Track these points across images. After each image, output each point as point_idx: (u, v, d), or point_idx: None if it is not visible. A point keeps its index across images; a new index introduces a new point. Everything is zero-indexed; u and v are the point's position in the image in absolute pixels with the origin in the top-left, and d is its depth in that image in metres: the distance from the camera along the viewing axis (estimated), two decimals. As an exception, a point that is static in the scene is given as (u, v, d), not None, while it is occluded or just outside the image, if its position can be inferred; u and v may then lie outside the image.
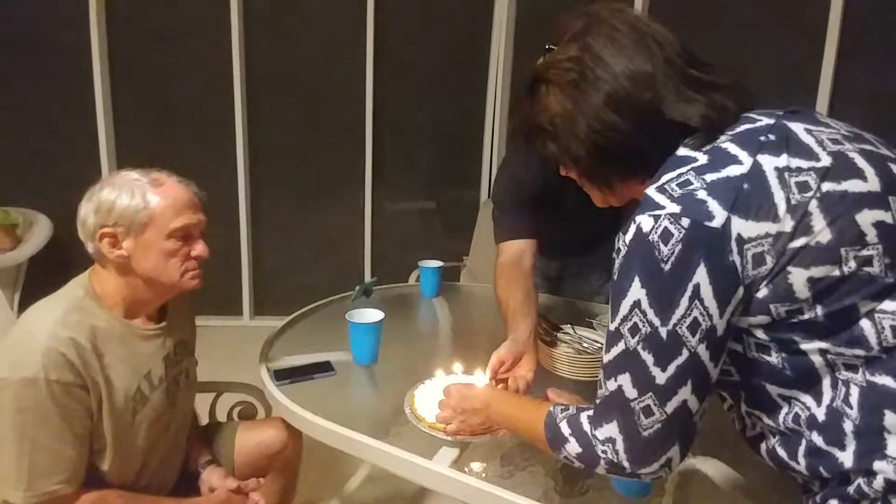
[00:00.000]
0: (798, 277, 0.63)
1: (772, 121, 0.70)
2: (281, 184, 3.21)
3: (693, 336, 0.65)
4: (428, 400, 1.12)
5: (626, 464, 0.70)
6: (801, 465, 0.68)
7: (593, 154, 0.74)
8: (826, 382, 0.66)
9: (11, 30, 2.81)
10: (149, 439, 1.08)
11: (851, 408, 0.64)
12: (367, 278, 3.15)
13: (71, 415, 0.94)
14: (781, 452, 0.70)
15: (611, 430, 0.71)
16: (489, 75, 3.11)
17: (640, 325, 0.67)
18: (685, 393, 0.67)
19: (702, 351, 0.66)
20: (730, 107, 0.71)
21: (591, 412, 0.75)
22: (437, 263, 1.83)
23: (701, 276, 0.63)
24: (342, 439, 1.07)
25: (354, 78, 3.05)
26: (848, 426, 0.64)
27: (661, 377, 0.67)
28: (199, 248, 1.08)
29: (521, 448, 1.05)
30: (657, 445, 0.69)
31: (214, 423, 1.40)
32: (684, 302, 0.64)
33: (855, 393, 0.64)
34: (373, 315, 1.34)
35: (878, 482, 0.62)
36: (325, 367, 1.32)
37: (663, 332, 0.66)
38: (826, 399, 0.66)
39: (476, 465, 0.99)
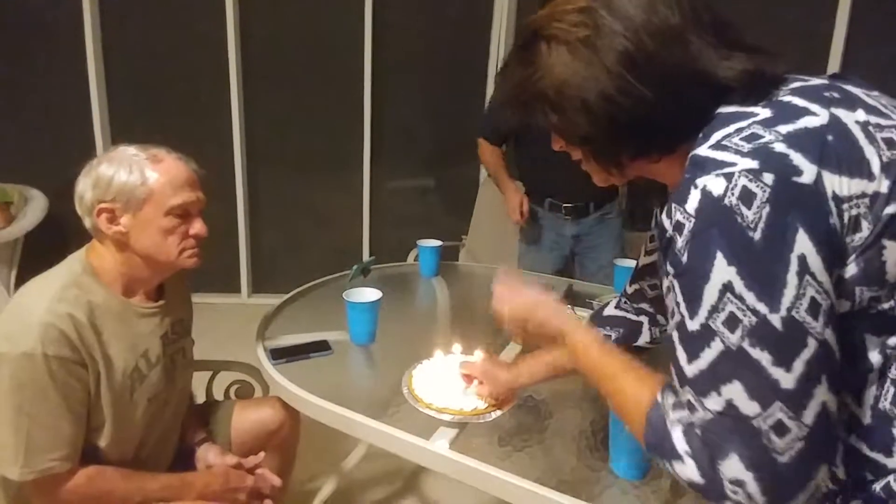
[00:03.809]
0: (893, 254, 0.53)
1: (826, 80, 0.60)
2: (278, 161, 3.18)
3: (816, 320, 0.52)
4: (426, 380, 1.12)
5: None
6: (840, 468, 0.59)
7: (606, 129, 0.62)
8: (874, 382, 0.57)
9: (3, 5, 2.75)
10: (146, 417, 1.08)
11: None
12: (366, 257, 3.14)
13: (68, 391, 0.94)
14: None
15: (733, 466, 0.54)
16: (490, 50, 3.06)
17: (741, 314, 0.52)
18: (822, 393, 0.52)
19: (829, 336, 0.53)
20: (775, 66, 0.60)
21: (705, 431, 0.57)
22: (435, 243, 1.82)
23: (803, 244, 0.51)
24: (339, 419, 1.07)
25: (353, 53, 3.00)
26: None
27: (786, 379, 0.52)
28: (198, 227, 1.06)
29: (518, 429, 1.05)
30: (801, 471, 0.53)
31: (211, 402, 1.40)
32: (792, 279, 0.51)
33: None
34: (370, 294, 1.34)
35: None
36: (322, 347, 1.32)
37: (776, 319, 0.52)
38: (870, 399, 0.57)
39: (473, 446, 0.99)
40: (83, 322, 0.96)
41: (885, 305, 0.55)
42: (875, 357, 0.57)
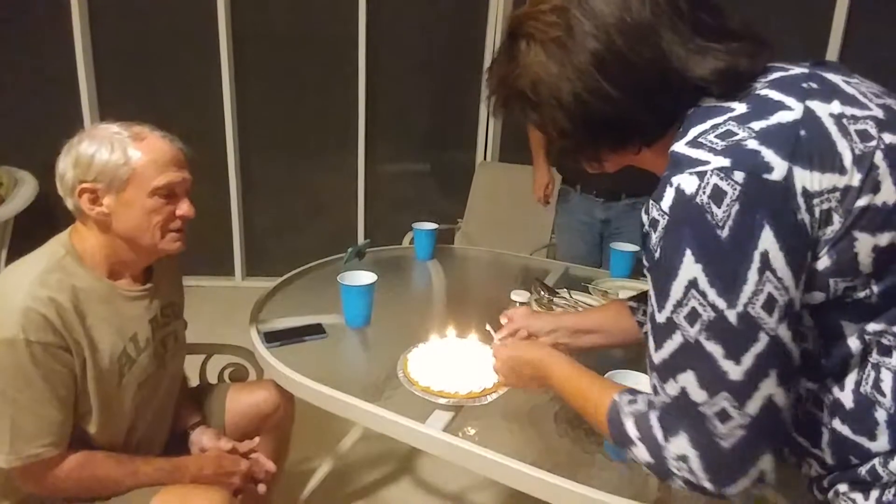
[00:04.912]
0: (864, 245, 0.54)
1: (805, 70, 0.61)
2: (272, 142, 3.14)
3: (770, 315, 0.53)
4: (421, 363, 1.11)
5: (707, 484, 0.58)
6: (826, 452, 0.62)
7: (581, 126, 0.64)
8: (854, 367, 0.59)
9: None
10: (137, 402, 1.06)
11: (884, 395, 0.57)
12: (361, 240, 3.12)
13: (53, 377, 0.92)
14: (800, 439, 0.64)
15: (680, 444, 0.59)
16: (487, 33, 3.01)
17: (701, 309, 0.55)
18: (769, 386, 0.55)
19: (783, 332, 0.54)
20: (755, 58, 0.61)
21: (661, 412, 0.62)
22: (431, 226, 1.81)
23: (767, 240, 0.53)
24: (334, 402, 1.06)
25: (347, 34, 2.95)
26: (881, 415, 0.57)
27: (735, 371, 0.55)
28: (185, 208, 1.04)
29: (514, 412, 1.05)
30: (742, 457, 0.57)
31: (205, 385, 1.39)
32: (753, 275, 0.53)
33: (888, 378, 0.57)
34: (365, 277, 1.32)
35: (895, 463, 0.56)
36: (316, 330, 1.31)
37: (732, 315, 0.54)
38: (851, 383, 0.59)
39: (469, 429, 0.99)
40: (66, 306, 0.93)
41: (861, 294, 0.56)
42: (854, 343, 0.58)
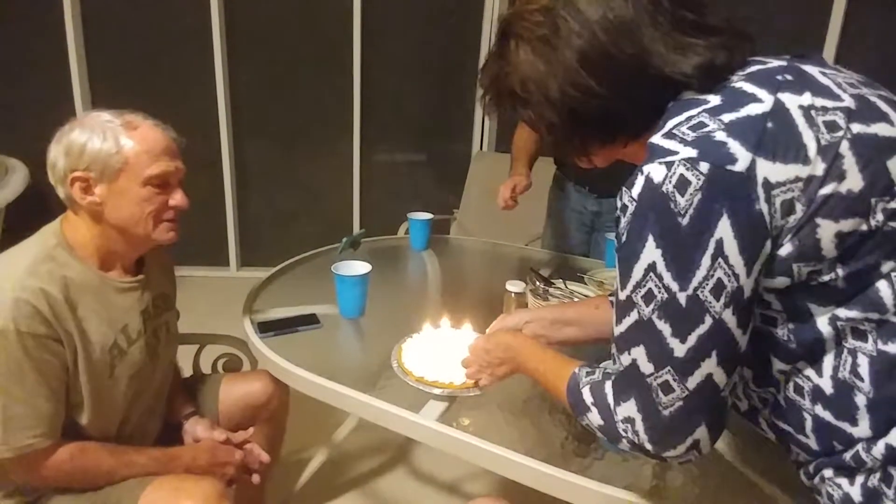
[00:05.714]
0: (827, 231, 0.56)
1: (783, 62, 0.63)
2: (266, 132, 3.12)
3: (717, 300, 0.57)
4: (415, 353, 1.11)
5: (648, 445, 0.64)
6: (811, 439, 0.64)
7: (568, 122, 0.67)
8: (830, 352, 0.61)
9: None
10: (129, 393, 1.05)
11: (862, 380, 0.59)
12: (356, 230, 3.11)
13: (45, 367, 0.91)
14: (785, 426, 0.66)
15: (629, 408, 0.65)
16: (483, 23, 2.98)
17: (656, 291, 0.59)
18: (709, 366, 0.60)
19: (727, 316, 0.58)
20: (733, 52, 0.63)
21: (614, 380, 0.68)
22: (426, 216, 1.80)
23: (724, 229, 0.56)
24: (328, 393, 1.06)
25: (342, 22, 2.91)
26: (860, 400, 0.59)
27: (680, 349, 0.60)
28: (178, 198, 1.02)
29: (508, 402, 1.05)
30: (680, 425, 0.62)
31: (198, 376, 1.38)
32: (706, 262, 0.57)
33: (864, 363, 0.59)
34: (360, 267, 1.32)
35: (879, 449, 0.58)
36: (310, 320, 1.30)
37: (682, 297, 0.58)
38: (828, 369, 0.61)
39: (463, 419, 0.99)
40: (57, 297, 0.92)
41: (826, 278, 0.58)
42: (825, 328, 0.60)
